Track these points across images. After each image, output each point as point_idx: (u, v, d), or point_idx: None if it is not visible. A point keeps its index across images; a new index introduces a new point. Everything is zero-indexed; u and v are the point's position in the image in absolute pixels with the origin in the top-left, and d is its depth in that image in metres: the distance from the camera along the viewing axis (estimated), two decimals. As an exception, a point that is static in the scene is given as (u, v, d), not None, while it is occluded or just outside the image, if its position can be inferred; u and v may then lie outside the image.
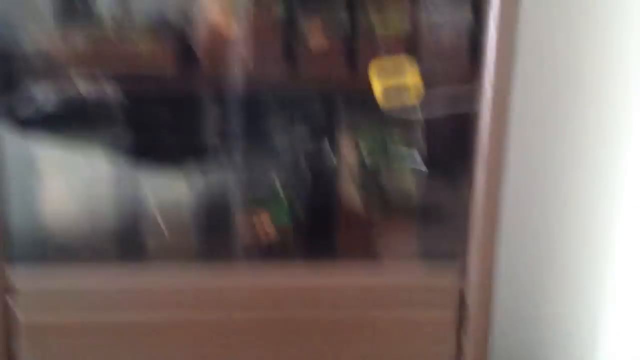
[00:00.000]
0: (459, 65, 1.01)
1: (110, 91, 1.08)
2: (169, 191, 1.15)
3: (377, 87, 1.00)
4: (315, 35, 1.03)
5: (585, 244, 1.25)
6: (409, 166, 1.09)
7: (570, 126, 1.25)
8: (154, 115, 1.16)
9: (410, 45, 1.02)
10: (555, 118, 1.27)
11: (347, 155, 1.12)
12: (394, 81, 0.99)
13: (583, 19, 1.20)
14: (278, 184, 1.14)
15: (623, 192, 1.16)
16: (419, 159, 1.09)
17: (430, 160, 1.10)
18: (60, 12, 1.08)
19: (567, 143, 1.26)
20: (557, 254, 1.32)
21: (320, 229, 1.15)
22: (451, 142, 1.09)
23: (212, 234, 1.15)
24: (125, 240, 1.15)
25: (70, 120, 1.11)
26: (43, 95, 1.07)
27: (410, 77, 0.99)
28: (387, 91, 0.99)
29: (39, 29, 1.05)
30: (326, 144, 1.13)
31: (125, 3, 1.08)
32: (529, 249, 1.34)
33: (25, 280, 1.04)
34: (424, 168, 1.09)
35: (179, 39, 1.06)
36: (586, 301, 1.26)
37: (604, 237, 1.21)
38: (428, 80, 1.00)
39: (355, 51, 1.04)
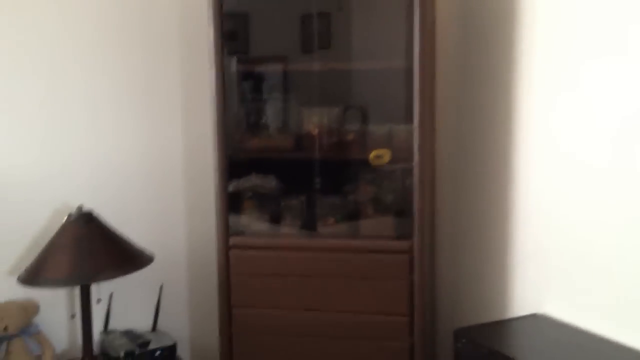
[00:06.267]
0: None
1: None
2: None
3: (372, 158, 2.41)
4: (350, 135, 2.48)
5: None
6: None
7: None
8: (287, 168, 2.63)
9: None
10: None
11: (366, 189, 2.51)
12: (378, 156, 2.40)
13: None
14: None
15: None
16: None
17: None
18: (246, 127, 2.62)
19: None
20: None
21: (351, 221, 2.53)
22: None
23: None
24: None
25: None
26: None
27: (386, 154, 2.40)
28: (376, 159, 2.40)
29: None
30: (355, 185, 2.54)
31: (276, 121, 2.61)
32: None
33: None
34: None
35: (294, 135, 2.56)
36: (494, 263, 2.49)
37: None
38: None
39: (366, 140, 2.47)
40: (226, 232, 2.50)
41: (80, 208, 2.42)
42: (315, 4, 2.62)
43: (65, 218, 2.41)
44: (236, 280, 2.51)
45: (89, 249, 2.34)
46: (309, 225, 2.54)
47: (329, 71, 2.61)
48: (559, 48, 2.17)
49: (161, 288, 2.76)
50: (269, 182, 2.66)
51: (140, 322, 2.77)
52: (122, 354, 2.50)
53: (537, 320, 2.26)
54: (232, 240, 2.50)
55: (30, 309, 2.50)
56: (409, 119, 2.34)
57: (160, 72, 2.81)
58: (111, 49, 2.70)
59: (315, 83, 2.63)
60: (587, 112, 2.08)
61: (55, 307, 2.64)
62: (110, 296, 2.67)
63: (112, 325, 2.72)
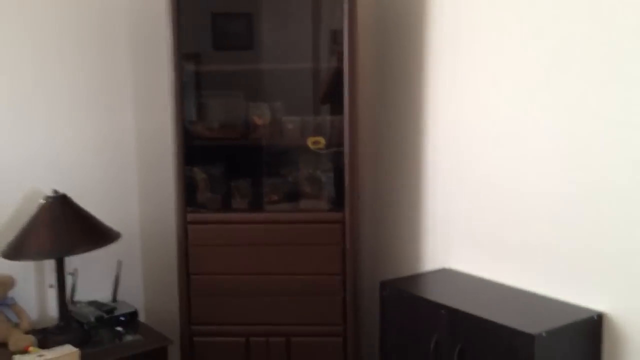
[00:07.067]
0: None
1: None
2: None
3: (310, 144, 2.88)
4: (289, 124, 2.94)
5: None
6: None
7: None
8: (235, 153, 3.05)
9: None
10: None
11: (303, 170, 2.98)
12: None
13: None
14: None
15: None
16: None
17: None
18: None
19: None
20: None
21: (291, 197, 2.99)
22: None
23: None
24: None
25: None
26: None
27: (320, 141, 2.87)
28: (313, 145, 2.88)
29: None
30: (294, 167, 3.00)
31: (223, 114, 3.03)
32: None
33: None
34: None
35: (242, 127, 2.98)
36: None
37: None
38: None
39: (303, 129, 2.94)
40: (184, 209, 2.89)
41: (55, 191, 2.73)
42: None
43: (42, 200, 2.71)
44: (193, 251, 2.90)
45: (66, 226, 2.66)
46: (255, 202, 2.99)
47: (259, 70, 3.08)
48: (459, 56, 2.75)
49: (119, 263, 3.09)
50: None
51: (101, 294, 3.10)
52: (92, 319, 2.84)
53: (446, 273, 2.82)
54: (190, 216, 2.90)
55: (6, 283, 2.77)
56: (336, 111, 2.86)
57: (111, 66, 3.15)
58: (67, 46, 3.01)
59: (255, 80, 3.10)
60: (481, 102, 2.66)
61: (26, 281, 2.92)
62: (75, 271, 2.97)
63: (76, 297, 3.03)
